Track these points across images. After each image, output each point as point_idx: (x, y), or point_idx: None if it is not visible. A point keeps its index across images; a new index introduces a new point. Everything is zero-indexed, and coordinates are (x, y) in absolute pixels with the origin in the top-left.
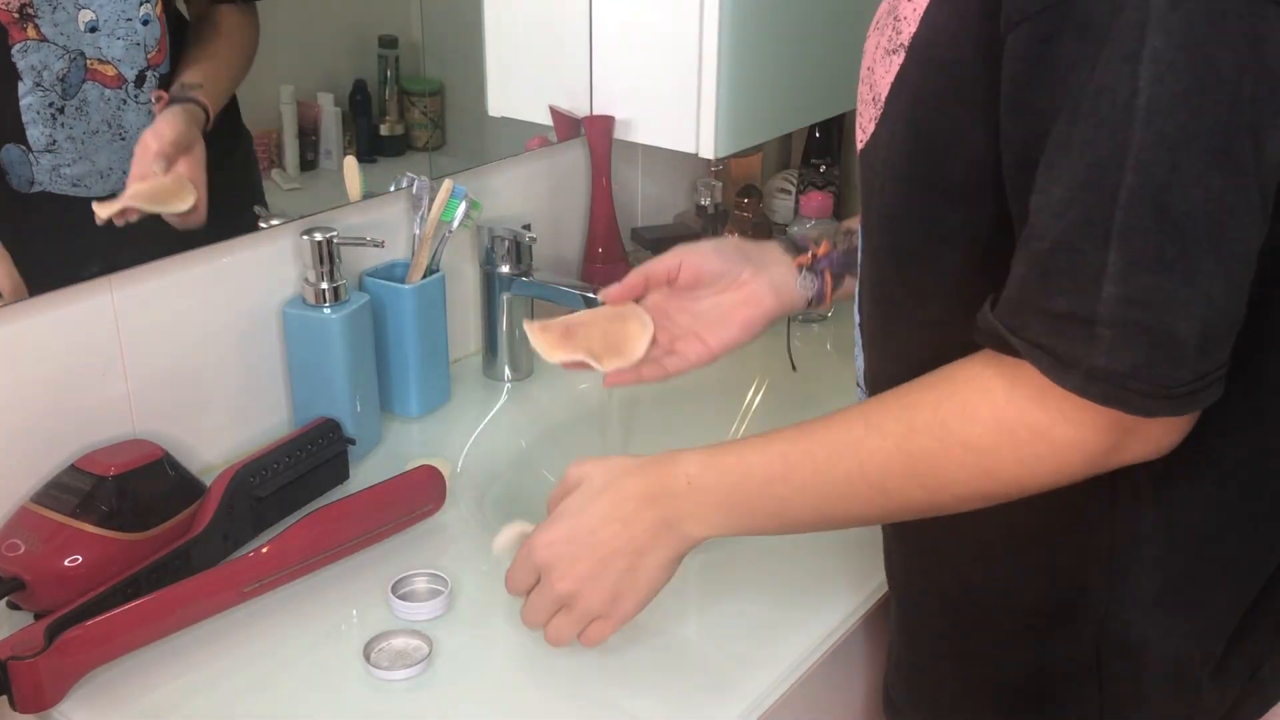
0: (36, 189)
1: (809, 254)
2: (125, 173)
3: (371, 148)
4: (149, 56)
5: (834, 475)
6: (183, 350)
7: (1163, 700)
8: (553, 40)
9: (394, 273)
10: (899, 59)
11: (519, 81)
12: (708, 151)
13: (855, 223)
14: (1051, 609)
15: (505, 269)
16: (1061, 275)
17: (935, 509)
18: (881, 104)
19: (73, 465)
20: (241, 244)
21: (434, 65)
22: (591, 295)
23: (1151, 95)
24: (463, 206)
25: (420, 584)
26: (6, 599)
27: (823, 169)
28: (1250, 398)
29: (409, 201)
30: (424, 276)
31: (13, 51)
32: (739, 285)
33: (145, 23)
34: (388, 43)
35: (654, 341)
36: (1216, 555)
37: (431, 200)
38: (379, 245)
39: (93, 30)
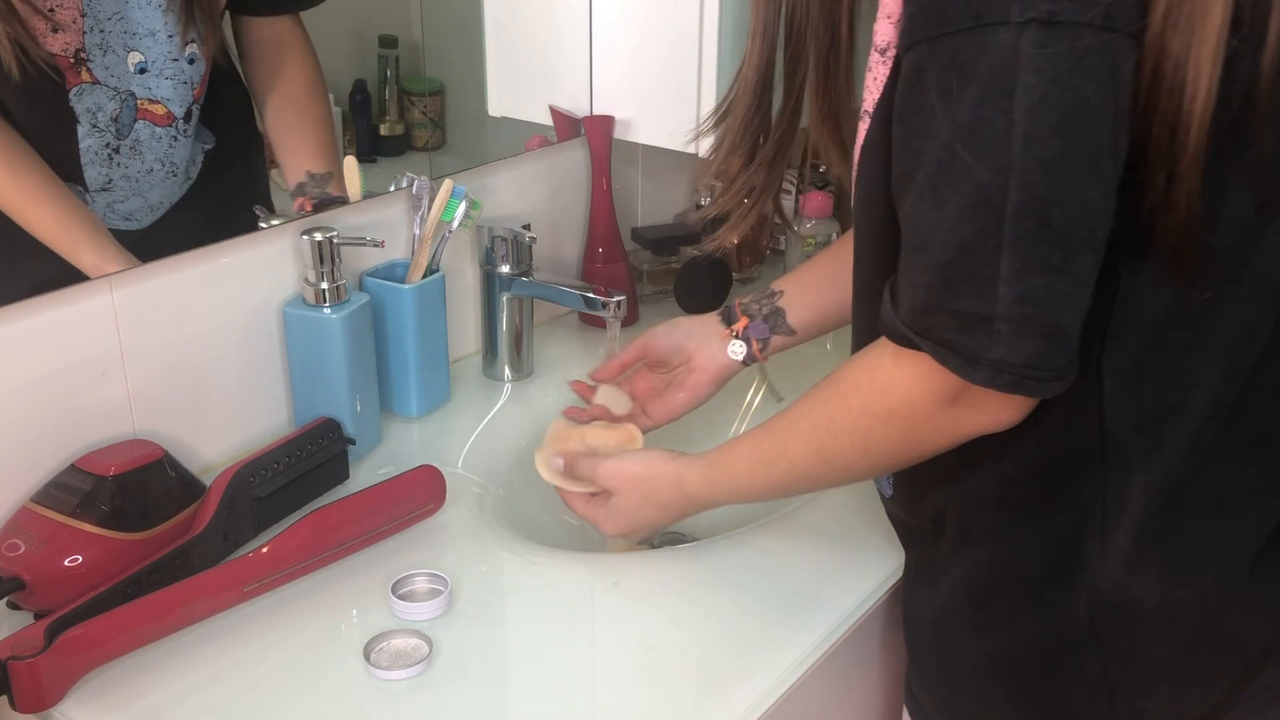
0: None
1: (734, 327)
2: (173, 206)
3: (371, 148)
4: (194, 92)
5: (782, 475)
6: (183, 350)
7: (1165, 657)
8: (553, 40)
9: (394, 273)
10: (865, 123)
11: (519, 81)
12: (708, 151)
13: (784, 281)
14: (1049, 576)
15: (505, 269)
16: (962, 281)
17: (853, 477)
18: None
19: (73, 465)
20: (241, 244)
21: (434, 65)
22: (592, 295)
23: (1028, 126)
24: (463, 206)
25: (420, 584)
26: (6, 599)
27: (823, 169)
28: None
29: (409, 201)
30: (424, 276)
31: (69, 95)
32: (687, 359)
33: (191, 61)
34: (388, 43)
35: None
36: (1200, 513)
37: (431, 200)
38: (379, 245)
39: (142, 71)
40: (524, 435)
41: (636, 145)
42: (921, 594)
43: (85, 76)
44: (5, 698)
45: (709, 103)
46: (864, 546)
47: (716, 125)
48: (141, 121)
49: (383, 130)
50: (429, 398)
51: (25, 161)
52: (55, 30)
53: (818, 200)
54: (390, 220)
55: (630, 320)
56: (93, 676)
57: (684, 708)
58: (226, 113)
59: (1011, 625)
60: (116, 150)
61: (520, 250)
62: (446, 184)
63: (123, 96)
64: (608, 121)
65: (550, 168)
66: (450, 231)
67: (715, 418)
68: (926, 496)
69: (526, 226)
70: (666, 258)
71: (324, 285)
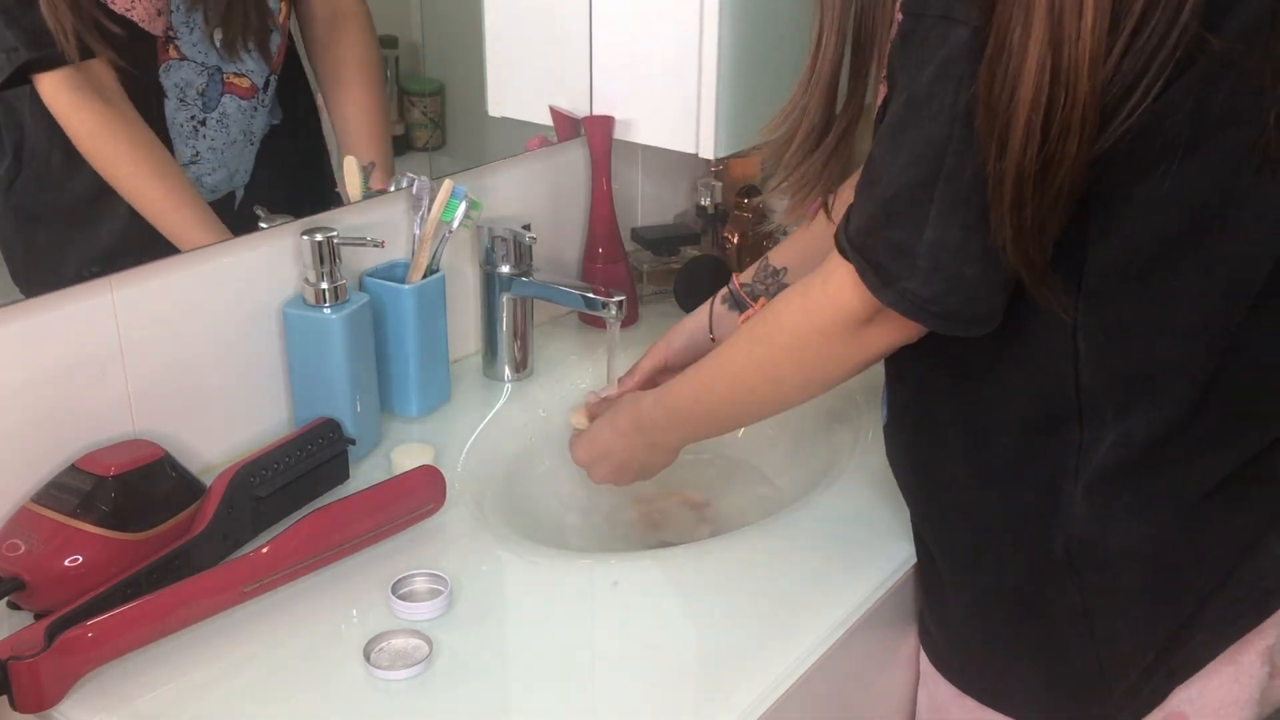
0: None
1: (750, 310)
2: (248, 172)
3: None
4: (272, 64)
5: (724, 392)
6: (183, 350)
7: (1135, 586)
8: (553, 40)
9: (394, 273)
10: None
11: (519, 81)
12: (708, 151)
13: (780, 257)
14: (1030, 523)
15: (505, 269)
16: (899, 216)
17: (787, 393)
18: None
19: (73, 465)
20: (241, 244)
21: (434, 65)
22: (592, 295)
23: (966, 107)
24: (463, 206)
25: (420, 584)
26: (6, 599)
27: None
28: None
29: (409, 201)
30: (424, 276)
31: (159, 71)
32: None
33: (271, 33)
34: (388, 43)
35: None
36: (1164, 459)
37: (431, 200)
38: (379, 245)
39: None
40: (524, 435)
41: (636, 145)
42: (922, 544)
43: (173, 54)
44: (5, 698)
45: (709, 102)
46: (863, 547)
47: (783, 123)
48: (228, 95)
49: None
50: (429, 398)
51: (172, 169)
52: (158, 14)
53: (817, 200)
54: (390, 220)
55: (630, 320)
56: (93, 676)
57: (684, 708)
58: (292, 89)
59: (996, 569)
60: (203, 123)
61: (520, 250)
62: (446, 184)
63: (210, 71)
64: (608, 121)
65: (550, 168)
66: (450, 231)
67: None
68: (917, 453)
69: (526, 226)
70: (666, 258)
71: (324, 285)
